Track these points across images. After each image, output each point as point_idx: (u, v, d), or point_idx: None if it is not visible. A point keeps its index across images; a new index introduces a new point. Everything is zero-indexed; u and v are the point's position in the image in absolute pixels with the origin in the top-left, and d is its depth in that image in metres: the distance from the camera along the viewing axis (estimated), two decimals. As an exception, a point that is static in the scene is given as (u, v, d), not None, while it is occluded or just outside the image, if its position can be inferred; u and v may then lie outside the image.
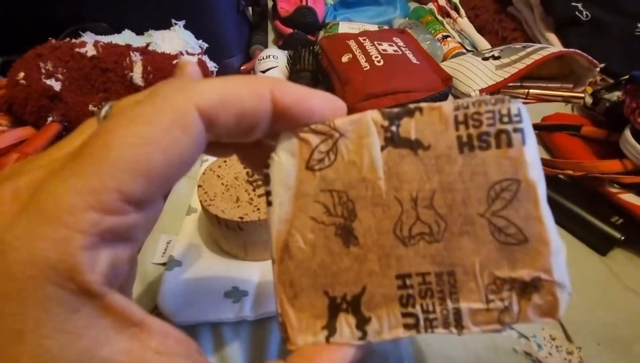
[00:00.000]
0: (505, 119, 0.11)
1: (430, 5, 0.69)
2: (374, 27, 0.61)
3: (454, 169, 0.11)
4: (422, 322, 0.11)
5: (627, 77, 0.33)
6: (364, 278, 0.12)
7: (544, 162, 0.33)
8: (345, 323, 0.12)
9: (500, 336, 0.23)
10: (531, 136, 0.11)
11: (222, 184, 0.28)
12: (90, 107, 0.38)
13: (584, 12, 0.52)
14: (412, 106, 0.12)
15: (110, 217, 0.10)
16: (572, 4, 0.53)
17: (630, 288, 0.26)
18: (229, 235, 0.26)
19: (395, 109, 0.12)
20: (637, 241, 0.29)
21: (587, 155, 0.35)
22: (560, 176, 0.33)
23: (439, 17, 0.66)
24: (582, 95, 0.45)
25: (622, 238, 0.28)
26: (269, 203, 0.12)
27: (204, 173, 0.29)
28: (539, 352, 0.23)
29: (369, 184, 0.12)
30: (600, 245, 0.29)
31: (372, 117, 0.12)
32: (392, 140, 0.12)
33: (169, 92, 0.11)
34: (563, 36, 0.53)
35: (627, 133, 0.31)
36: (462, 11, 0.66)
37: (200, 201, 0.27)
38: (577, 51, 0.45)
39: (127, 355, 0.10)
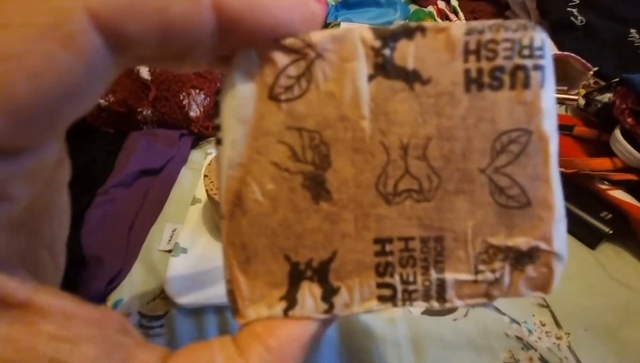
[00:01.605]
0: (526, 52, 0.09)
1: (430, 8, 0.71)
2: (375, 28, 0.63)
3: (457, 112, 0.09)
4: (399, 294, 0.10)
5: (617, 80, 0.34)
6: (335, 242, 0.10)
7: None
8: (309, 294, 0.10)
9: (492, 321, 0.24)
10: (551, 78, 0.09)
11: (228, 174, 0.29)
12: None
13: (579, 17, 0.54)
14: (413, 24, 0.09)
15: None
16: (568, 9, 0.54)
17: (617, 279, 0.28)
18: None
19: (392, 27, 0.09)
20: (625, 235, 0.30)
21: (579, 154, 0.36)
22: (553, 173, 0.34)
23: (439, 20, 0.67)
24: (576, 97, 0.47)
25: (611, 232, 0.29)
26: (218, 141, 0.10)
27: (209, 164, 0.30)
28: (529, 336, 0.24)
29: (349, 124, 0.09)
30: (590, 238, 0.30)
31: (360, 35, 0.09)
32: (384, 68, 0.09)
33: None
34: (558, 40, 0.54)
35: (617, 133, 0.32)
36: (461, 14, 0.67)
37: (207, 190, 0.28)
38: (571, 54, 0.47)
39: (7, 345, 0.08)
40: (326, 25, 0.65)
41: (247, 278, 0.10)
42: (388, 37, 0.09)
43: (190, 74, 0.39)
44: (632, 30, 0.53)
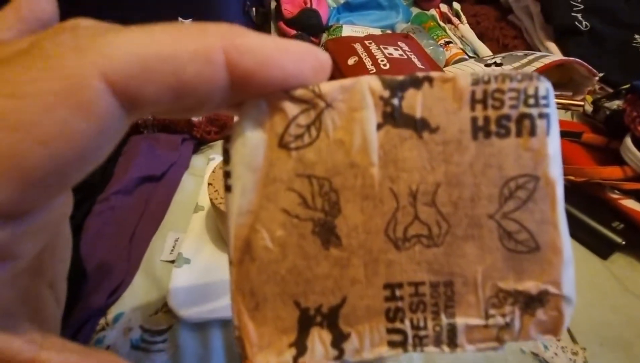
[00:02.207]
0: (532, 101, 0.09)
1: (433, 11, 0.70)
2: (377, 31, 0.62)
3: (465, 159, 0.10)
4: (410, 340, 0.10)
5: (627, 86, 0.34)
6: (344, 287, 0.10)
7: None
8: (319, 340, 0.10)
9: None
10: (556, 125, 0.10)
11: (233, 182, 0.28)
12: None
13: (584, 22, 0.53)
14: (420, 74, 0.09)
15: None
16: (572, 14, 0.54)
17: (631, 291, 0.27)
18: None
19: (400, 77, 0.10)
20: (638, 246, 0.30)
21: (588, 161, 0.36)
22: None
23: (441, 23, 0.67)
24: (582, 103, 0.46)
25: (623, 242, 0.29)
26: (228, 188, 0.10)
27: (213, 171, 0.29)
28: (545, 352, 0.23)
29: (358, 172, 0.10)
30: (602, 249, 0.30)
31: (369, 84, 0.10)
32: (392, 117, 0.10)
33: (56, 49, 0.07)
34: (562, 45, 0.54)
35: (628, 141, 0.32)
36: (463, 18, 0.67)
37: (211, 199, 0.27)
38: (577, 60, 0.46)
39: None
40: (327, 28, 0.65)
41: (255, 324, 0.10)
42: (396, 87, 0.10)
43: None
44: (637, 36, 0.53)
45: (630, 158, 0.31)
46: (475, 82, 0.10)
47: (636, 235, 0.29)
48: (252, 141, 0.10)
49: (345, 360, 0.10)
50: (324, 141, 0.10)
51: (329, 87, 0.10)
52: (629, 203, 0.30)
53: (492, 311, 0.10)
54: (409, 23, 0.68)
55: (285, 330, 0.10)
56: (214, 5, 0.47)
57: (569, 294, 0.10)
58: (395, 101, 0.10)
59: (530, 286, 0.10)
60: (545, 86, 0.10)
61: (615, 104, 0.36)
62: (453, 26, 0.67)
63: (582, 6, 0.54)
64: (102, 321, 0.25)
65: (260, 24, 0.65)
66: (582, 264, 0.29)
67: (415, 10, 0.73)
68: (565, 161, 0.37)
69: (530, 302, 0.10)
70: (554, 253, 0.10)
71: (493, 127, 0.10)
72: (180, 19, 0.44)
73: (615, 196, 0.31)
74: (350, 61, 0.46)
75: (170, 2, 0.44)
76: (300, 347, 0.10)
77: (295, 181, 0.10)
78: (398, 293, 0.10)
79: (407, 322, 0.10)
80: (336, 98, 0.10)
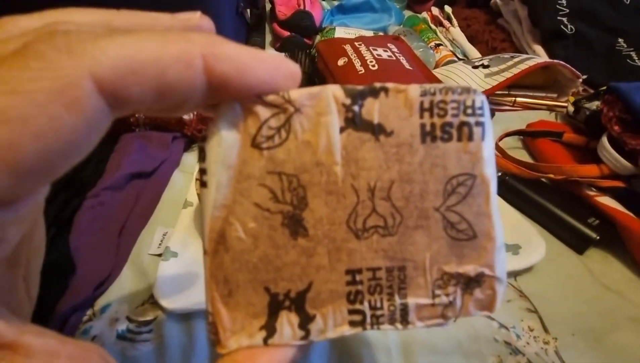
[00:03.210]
0: (469, 111, 0.11)
1: (424, 14, 0.72)
2: (370, 33, 0.63)
3: (415, 160, 0.11)
4: (368, 319, 0.11)
5: (605, 88, 0.35)
6: (311, 274, 0.11)
7: (528, 166, 0.35)
8: (287, 323, 0.11)
9: (482, 326, 0.24)
10: (490, 131, 0.11)
11: (220, 178, 0.29)
12: None
13: (569, 26, 0.55)
14: (377, 85, 0.11)
15: None
16: (558, 17, 0.55)
17: (604, 284, 0.28)
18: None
19: (360, 87, 0.11)
20: (612, 241, 0.30)
21: (568, 160, 0.37)
22: (543, 179, 0.35)
23: (432, 26, 0.68)
24: (565, 104, 0.47)
25: (598, 238, 0.30)
26: (203, 184, 0.11)
27: (201, 167, 0.30)
28: (517, 341, 0.24)
29: (324, 169, 0.11)
30: (578, 244, 0.31)
31: (333, 92, 0.11)
32: (354, 121, 0.11)
33: (50, 51, 0.08)
34: (549, 48, 0.55)
35: (604, 140, 0.33)
36: (454, 21, 0.68)
37: (198, 195, 0.27)
38: (561, 62, 0.47)
39: None
40: (321, 30, 0.66)
41: (228, 310, 0.11)
42: (357, 96, 0.11)
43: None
44: (621, 40, 0.55)
45: (606, 157, 0.32)
46: (424, 93, 0.11)
47: (610, 231, 0.30)
48: (227, 141, 0.10)
49: (311, 339, 0.11)
50: (293, 142, 0.11)
51: (297, 94, 0.11)
52: (605, 200, 0.31)
53: (438, 292, 0.11)
54: (401, 25, 0.69)
55: (256, 315, 0.11)
56: (207, 7, 0.48)
57: (500, 275, 0.11)
58: (356, 108, 0.11)
59: (470, 269, 0.11)
60: (480, 99, 0.11)
61: (595, 104, 0.37)
62: (444, 29, 0.68)
63: (568, 10, 0.55)
64: (89, 312, 0.25)
65: (255, 26, 0.66)
66: (559, 258, 0.30)
67: (407, 13, 0.74)
68: (546, 159, 0.38)
69: (469, 283, 0.11)
70: (488, 240, 0.11)
71: (438, 133, 0.11)
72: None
73: (591, 193, 0.32)
74: (340, 62, 0.47)
75: (162, 3, 0.45)
76: (270, 329, 0.11)
77: (266, 177, 0.11)
78: (358, 277, 0.11)
79: (365, 303, 0.11)
80: (304, 104, 0.11)
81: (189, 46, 0.09)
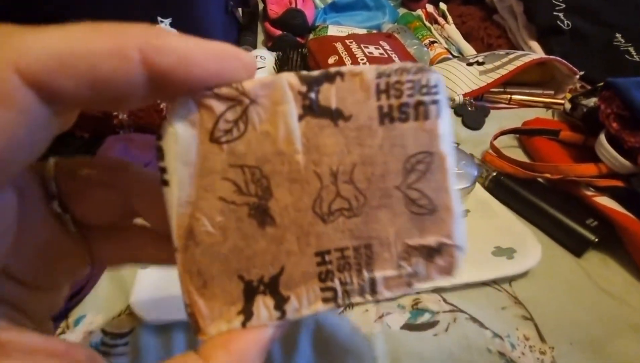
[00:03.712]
0: (425, 90, 0.11)
1: (419, 12, 0.70)
2: (363, 31, 0.62)
3: (375, 142, 0.11)
4: (340, 294, 0.12)
5: (602, 84, 0.34)
6: (282, 259, 0.11)
7: (524, 165, 0.34)
8: (263, 306, 0.11)
9: (474, 335, 0.23)
10: (446, 108, 0.11)
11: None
12: None
13: (565, 22, 0.54)
14: (332, 70, 0.11)
15: None
16: (554, 13, 0.54)
17: (604, 289, 0.27)
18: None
19: (315, 72, 0.11)
20: (611, 243, 0.29)
21: (565, 159, 0.36)
22: (539, 179, 0.34)
23: (427, 23, 0.67)
24: (562, 101, 0.46)
25: (597, 240, 0.28)
26: (165, 182, 0.11)
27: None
28: (512, 351, 0.23)
29: (285, 158, 0.11)
30: (575, 246, 0.29)
31: (288, 80, 0.11)
32: (311, 108, 0.11)
33: None
34: (545, 44, 0.54)
35: (602, 138, 0.32)
36: (449, 18, 0.67)
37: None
38: (557, 58, 0.46)
39: None
40: (314, 29, 0.65)
41: (205, 300, 0.11)
42: (312, 82, 0.11)
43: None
44: (618, 35, 0.53)
45: (604, 155, 0.31)
46: (379, 75, 0.11)
47: (610, 232, 0.29)
48: (184, 138, 0.10)
49: (287, 318, 0.11)
50: (251, 134, 0.11)
51: (251, 85, 0.10)
52: (603, 200, 0.30)
53: (402, 263, 0.12)
54: (395, 23, 0.68)
55: (233, 301, 0.11)
56: (194, 5, 0.46)
57: (460, 243, 0.12)
58: (312, 95, 0.11)
59: (431, 240, 0.12)
60: (435, 77, 0.11)
61: (592, 101, 0.36)
62: (439, 26, 0.67)
63: (564, 5, 0.54)
64: (62, 324, 0.24)
65: (247, 24, 0.64)
66: (556, 262, 0.28)
67: (402, 11, 0.73)
68: (543, 158, 0.37)
69: (431, 252, 0.12)
70: (447, 212, 0.12)
71: (396, 114, 0.11)
72: (159, 18, 0.44)
73: (589, 193, 0.31)
74: (331, 60, 0.46)
75: (150, 2, 0.44)
76: (247, 313, 0.11)
77: (229, 171, 0.11)
78: (327, 258, 0.12)
79: (336, 281, 0.12)
80: (259, 94, 0.11)
81: (123, 38, 0.09)
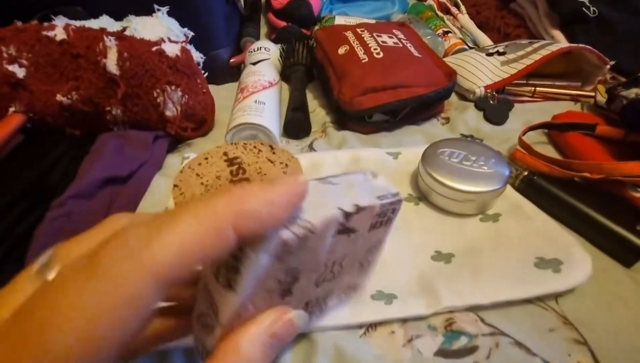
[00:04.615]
0: (396, 210, 0.18)
1: (430, 1, 0.67)
2: (372, 22, 0.58)
3: (360, 241, 0.17)
4: (313, 309, 0.19)
5: (647, 72, 0.30)
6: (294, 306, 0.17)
7: (558, 163, 0.31)
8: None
9: (522, 364, 0.20)
10: (395, 220, 0.18)
11: (202, 184, 0.25)
12: (58, 98, 0.34)
13: (591, 9, 0.50)
14: (362, 207, 0.16)
15: None
16: (579, 0, 0.50)
17: (661, 305, 0.23)
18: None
19: (353, 210, 0.15)
20: (664, 251, 0.26)
21: (604, 156, 0.32)
22: (575, 178, 0.30)
23: (439, 13, 0.63)
24: (592, 93, 0.43)
25: (649, 248, 0.25)
26: (230, 287, 0.13)
27: (181, 171, 0.25)
28: (567, 382, 0.19)
29: (317, 262, 0.16)
30: (625, 255, 0.26)
31: (338, 220, 0.15)
32: (341, 231, 0.16)
33: (117, 262, 0.10)
34: (569, 33, 0.50)
35: (651, 133, 0.28)
36: (462, 7, 0.64)
37: (175, 203, 0.23)
38: (587, 47, 0.43)
39: None
40: (320, 20, 0.61)
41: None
42: (349, 216, 0.15)
43: (165, 68, 0.35)
44: (649, 22, 0.50)
45: (655, 152, 0.28)
46: (382, 206, 0.17)
47: (664, 240, 0.25)
48: (263, 264, 0.13)
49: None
50: (303, 251, 0.15)
51: (319, 224, 0.14)
52: (654, 203, 0.27)
53: (342, 295, 0.21)
54: (406, 13, 0.64)
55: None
56: (195, -7, 0.43)
57: (364, 285, 0.22)
58: (345, 223, 0.16)
59: (358, 280, 0.21)
60: (401, 202, 0.18)
61: (634, 92, 0.32)
62: (452, 16, 0.63)
63: (589, -9, 0.50)
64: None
65: (249, 16, 0.61)
66: (604, 274, 0.25)
67: (412, 1, 0.69)
68: (578, 155, 0.34)
69: (355, 288, 0.21)
70: (372, 266, 0.21)
71: (378, 224, 0.17)
72: (156, 6, 0.40)
73: (638, 194, 0.28)
74: (341, 50, 0.42)
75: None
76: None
77: (280, 274, 0.15)
78: (309, 303, 0.18)
79: (312, 307, 0.19)
80: (320, 229, 0.14)
81: (220, 219, 0.11)
